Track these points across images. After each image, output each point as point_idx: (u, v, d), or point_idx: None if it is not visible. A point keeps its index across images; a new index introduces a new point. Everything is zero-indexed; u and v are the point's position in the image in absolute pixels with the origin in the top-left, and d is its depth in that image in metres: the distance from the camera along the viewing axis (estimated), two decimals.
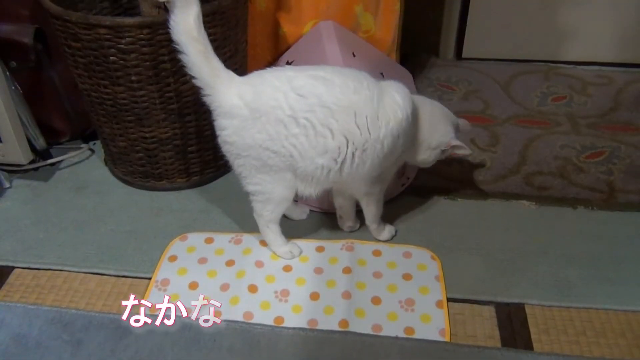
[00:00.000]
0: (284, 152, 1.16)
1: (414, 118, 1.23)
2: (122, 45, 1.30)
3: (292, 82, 1.14)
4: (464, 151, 1.33)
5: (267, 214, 1.28)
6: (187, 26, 1.12)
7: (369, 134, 1.15)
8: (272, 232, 1.32)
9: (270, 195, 1.24)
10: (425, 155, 1.32)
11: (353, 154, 1.17)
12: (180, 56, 1.15)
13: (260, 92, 1.15)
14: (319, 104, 1.13)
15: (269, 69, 1.20)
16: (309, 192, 1.24)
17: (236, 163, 1.22)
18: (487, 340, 1.14)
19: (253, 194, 1.26)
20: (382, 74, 1.64)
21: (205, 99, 1.19)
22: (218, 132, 1.21)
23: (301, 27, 1.74)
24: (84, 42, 1.32)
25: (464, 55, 2.22)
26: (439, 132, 1.31)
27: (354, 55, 1.58)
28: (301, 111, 1.13)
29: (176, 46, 1.15)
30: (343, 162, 1.17)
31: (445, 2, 2.12)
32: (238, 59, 1.50)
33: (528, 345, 1.13)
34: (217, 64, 1.16)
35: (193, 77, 1.17)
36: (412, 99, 1.24)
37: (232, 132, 1.18)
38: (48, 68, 1.59)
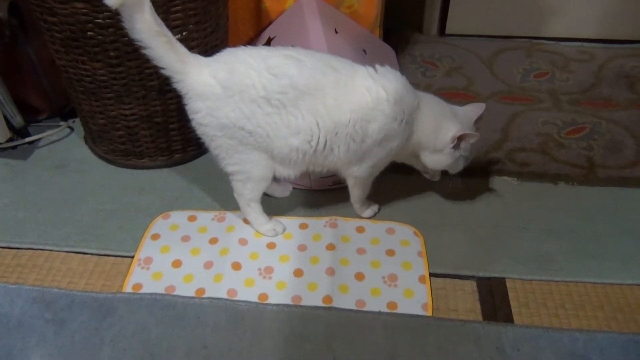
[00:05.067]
0: (260, 132, 1.16)
1: (402, 110, 1.18)
2: (99, 20, 1.28)
3: (267, 61, 1.13)
4: (474, 138, 1.25)
5: (248, 193, 1.28)
6: (145, 23, 1.09)
7: (338, 116, 1.15)
8: (253, 210, 1.31)
9: (249, 174, 1.24)
10: (436, 158, 1.27)
11: (325, 137, 1.17)
12: (144, 51, 1.13)
13: (234, 70, 1.14)
14: (291, 84, 1.12)
15: (242, 47, 1.19)
16: (287, 173, 1.24)
17: (212, 145, 1.21)
18: (468, 314, 1.16)
19: (232, 174, 1.26)
20: (364, 50, 1.63)
21: (175, 85, 1.17)
22: (191, 116, 1.19)
23: (283, 2, 1.72)
24: (60, 17, 1.29)
25: (448, 31, 2.21)
26: (441, 131, 1.24)
27: (336, 32, 1.56)
28: (274, 92, 1.12)
29: (138, 43, 1.12)
30: (317, 145, 1.17)
31: None
32: (219, 35, 1.48)
33: (509, 319, 1.15)
34: (182, 49, 1.15)
35: (161, 68, 1.15)
36: (410, 92, 1.20)
37: (205, 114, 1.17)
38: (24, 44, 1.55)
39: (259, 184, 1.26)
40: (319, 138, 1.17)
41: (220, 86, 1.14)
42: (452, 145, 1.24)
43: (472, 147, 1.29)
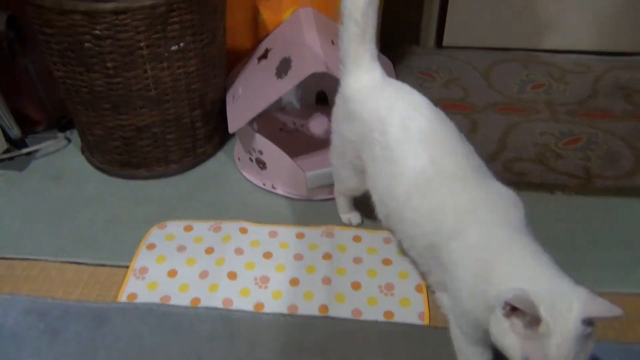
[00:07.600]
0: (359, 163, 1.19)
1: None
2: (97, 32, 1.28)
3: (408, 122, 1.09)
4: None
5: (340, 188, 1.34)
6: (354, 5, 1.10)
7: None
8: (340, 201, 1.38)
9: (341, 179, 1.30)
10: None
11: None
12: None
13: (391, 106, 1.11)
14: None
15: (416, 92, 1.13)
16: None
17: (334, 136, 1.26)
18: None
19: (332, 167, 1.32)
20: None
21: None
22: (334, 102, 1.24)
23: (280, 14, 1.73)
24: (58, 29, 1.30)
25: (445, 43, 2.22)
26: None
27: (332, 43, 1.57)
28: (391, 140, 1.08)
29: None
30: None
31: None
32: (216, 46, 1.49)
33: None
34: (364, 52, 1.14)
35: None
36: None
37: (340, 111, 1.21)
38: (22, 56, 1.56)
39: (346, 192, 1.33)
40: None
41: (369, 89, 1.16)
42: None
43: None
